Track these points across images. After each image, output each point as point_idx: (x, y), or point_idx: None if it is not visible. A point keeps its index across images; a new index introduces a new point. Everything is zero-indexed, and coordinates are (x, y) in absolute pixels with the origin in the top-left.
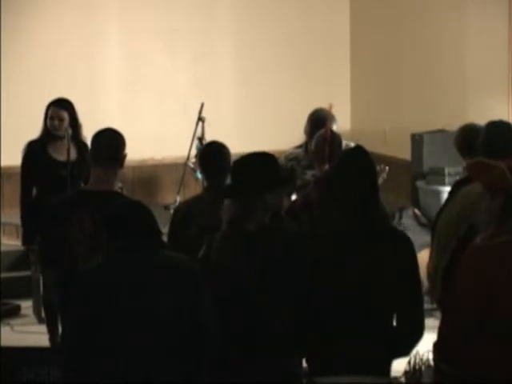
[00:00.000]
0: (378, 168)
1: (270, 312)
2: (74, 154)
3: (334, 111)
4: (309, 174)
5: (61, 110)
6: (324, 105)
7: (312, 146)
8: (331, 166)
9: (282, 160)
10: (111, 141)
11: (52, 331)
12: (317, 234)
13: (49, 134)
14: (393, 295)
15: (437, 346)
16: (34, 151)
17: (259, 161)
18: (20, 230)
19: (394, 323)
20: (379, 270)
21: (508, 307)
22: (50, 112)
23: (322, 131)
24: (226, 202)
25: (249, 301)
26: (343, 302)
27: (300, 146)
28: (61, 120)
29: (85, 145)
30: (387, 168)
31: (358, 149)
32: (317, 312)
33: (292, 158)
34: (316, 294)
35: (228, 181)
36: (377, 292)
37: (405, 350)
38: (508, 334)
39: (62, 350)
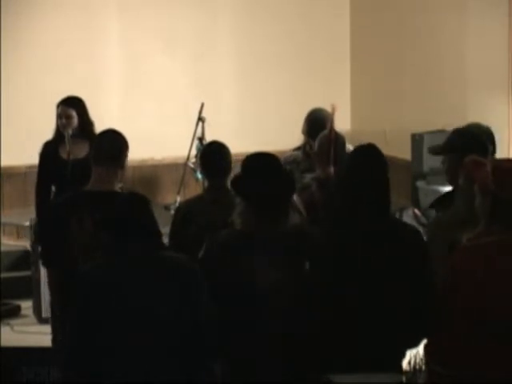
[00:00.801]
0: None
1: (282, 313)
2: (84, 152)
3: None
4: (308, 177)
5: (68, 108)
6: (324, 105)
7: (315, 146)
8: (338, 166)
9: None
10: (113, 141)
11: (55, 331)
12: (325, 235)
13: (61, 134)
14: (405, 290)
15: (428, 348)
16: (47, 152)
17: (278, 163)
18: (20, 229)
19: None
20: (390, 268)
21: (497, 307)
22: (58, 111)
23: (325, 132)
24: (240, 203)
25: (262, 301)
26: (354, 302)
27: (298, 148)
28: (68, 118)
29: None
30: None
31: (369, 149)
32: (328, 312)
33: (291, 160)
34: (327, 294)
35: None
36: (388, 290)
37: (416, 342)
38: (499, 334)
39: (62, 350)
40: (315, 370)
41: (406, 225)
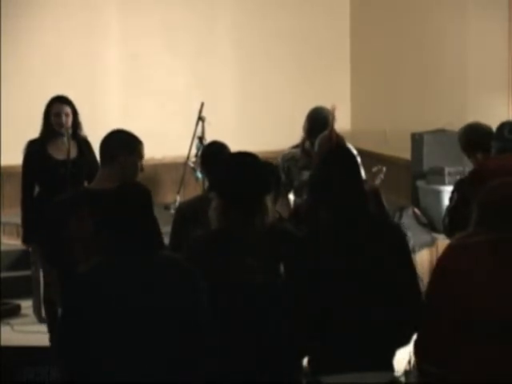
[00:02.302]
0: (374, 169)
1: (270, 313)
2: (74, 152)
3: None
4: (306, 175)
5: (65, 105)
6: (324, 105)
7: (315, 147)
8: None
9: (278, 160)
10: (115, 141)
11: (52, 330)
12: (310, 235)
13: (49, 133)
14: (391, 286)
15: (420, 348)
16: (33, 150)
17: (254, 162)
18: (20, 229)
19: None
20: (374, 267)
21: (483, 307)
22: (53, 108)
23: (326, 133)
24: (214, 200)
25: (248, 302)
26: (344, 301)
27: (297, 146)
28: (67, 116)
29: (85, 142)
30: (384, 168)
31: (338, 149)
32: (318, 312)
33: (289, 158)
34: (316, 294)
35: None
36: (375, 286)
37: (405, 340)
38: (492, 333)
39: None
40: (299, 372)
41: (386, 222)
